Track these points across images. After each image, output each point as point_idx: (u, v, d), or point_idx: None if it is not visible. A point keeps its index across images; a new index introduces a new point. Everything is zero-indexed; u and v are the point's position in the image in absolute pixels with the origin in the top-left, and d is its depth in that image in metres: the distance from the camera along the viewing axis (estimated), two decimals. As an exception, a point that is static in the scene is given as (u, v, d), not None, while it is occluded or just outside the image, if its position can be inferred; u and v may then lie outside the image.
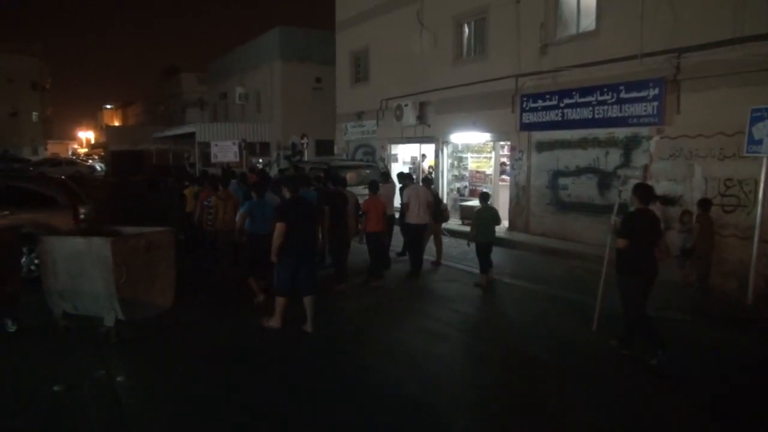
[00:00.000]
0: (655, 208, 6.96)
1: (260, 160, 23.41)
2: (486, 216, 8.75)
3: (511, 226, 13.34)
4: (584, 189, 11.63)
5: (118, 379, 5.16)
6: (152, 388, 5.05)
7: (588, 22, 11.46)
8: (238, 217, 7.82)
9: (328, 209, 8.29)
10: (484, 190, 10.70)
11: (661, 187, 10.05)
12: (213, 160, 19.20)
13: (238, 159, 18.86)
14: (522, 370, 5.64)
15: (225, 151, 18.58)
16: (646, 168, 10.10)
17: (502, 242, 12.16)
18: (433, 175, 16.41)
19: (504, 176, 14.32)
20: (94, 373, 5.27)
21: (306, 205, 6.67)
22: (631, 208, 6.06)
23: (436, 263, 10.19)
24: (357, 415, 4.59)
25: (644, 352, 5.67)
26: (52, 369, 5.34)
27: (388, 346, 6.19)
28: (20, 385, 5.05)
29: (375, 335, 6.57)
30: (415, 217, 9.42)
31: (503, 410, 4.74)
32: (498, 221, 8.91)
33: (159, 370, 5.47)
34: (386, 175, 11.72)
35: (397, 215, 10.43)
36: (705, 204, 8.30)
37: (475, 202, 14.27)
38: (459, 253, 11.14)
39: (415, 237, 9.58)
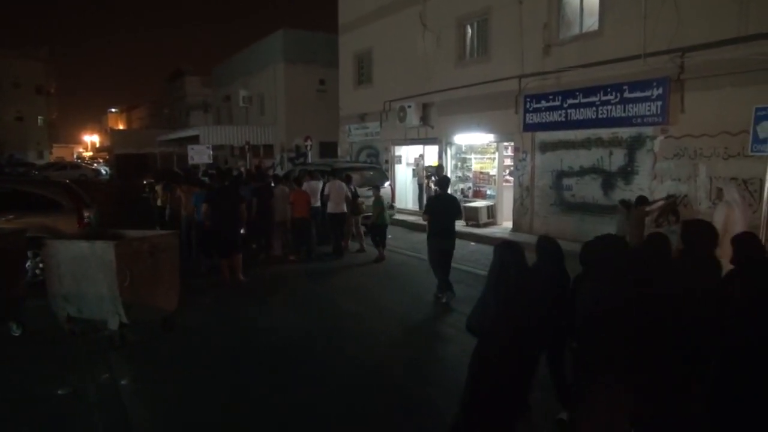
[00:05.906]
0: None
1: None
2: (378, 205, 11.06)
3: (515, 227, 13.31)
4: (588, 189, 11.59)
5: (122, 382, 5.18)
6: (156, 392, 5.06)
7: (591, 22, 11.43)
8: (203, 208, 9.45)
9: (255, 200, 10.30)
10: (377, 184, 12.03)
11: (665, 187, 10.04)
12: (190, 161, 20.85)
13: (211, 161, 21.45)
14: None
15: (200, 154, 20.67)
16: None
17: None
18: (435, 179, 16.45)
19: (508, 177, 14.30)
20: (98, 376, 5.28)
21: (229, 194, 8.90)
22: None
23: (360, 250, 11.71)
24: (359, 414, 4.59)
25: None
26: (56, 373, 5.35)
27: (392, 348, 6.19)
28: (25, 389, 5.06)
29: (380, 338, 6.56)
30: (334, 207, 11.24)
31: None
32: (387, 208, 11.54)
33: (163, 373, 5.48)
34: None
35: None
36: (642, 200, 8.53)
37: (478, 203, 14.33)
38: (461, 255, 11.11)
39: (336, 224, 11.40)
